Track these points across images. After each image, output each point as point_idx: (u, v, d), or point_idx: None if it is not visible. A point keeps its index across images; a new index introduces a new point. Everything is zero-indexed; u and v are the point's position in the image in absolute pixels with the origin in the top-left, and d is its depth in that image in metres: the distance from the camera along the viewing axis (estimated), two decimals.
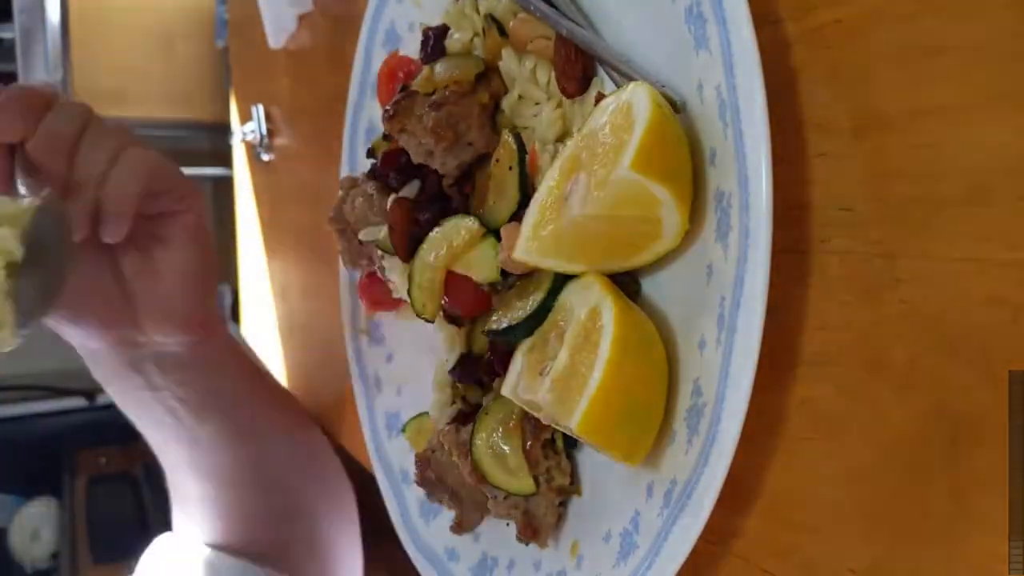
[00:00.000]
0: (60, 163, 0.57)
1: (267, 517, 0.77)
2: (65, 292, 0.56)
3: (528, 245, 0.41)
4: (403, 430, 0.60)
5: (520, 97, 0.49)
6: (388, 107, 0.50)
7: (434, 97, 0.49)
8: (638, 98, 0.36)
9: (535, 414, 0.42)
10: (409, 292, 0.49)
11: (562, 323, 0.41)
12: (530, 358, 0.43)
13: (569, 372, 0.38)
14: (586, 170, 0.38)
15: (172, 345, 0.68)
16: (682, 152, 0.36)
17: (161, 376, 0.69)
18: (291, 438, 0.82)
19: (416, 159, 0.50)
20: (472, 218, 0.48)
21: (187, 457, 0.74)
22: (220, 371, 0.73)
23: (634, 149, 0.35)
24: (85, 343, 0.68)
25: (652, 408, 0.38)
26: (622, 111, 0.37)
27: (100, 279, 0.64)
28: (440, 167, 0.50)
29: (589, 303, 0.39)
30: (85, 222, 0.58)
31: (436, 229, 0.49)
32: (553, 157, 0.44)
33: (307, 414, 0.86)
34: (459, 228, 0.48)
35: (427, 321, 0.50)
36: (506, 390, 0.44)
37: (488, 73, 0.50)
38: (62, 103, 0.59)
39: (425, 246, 0.49)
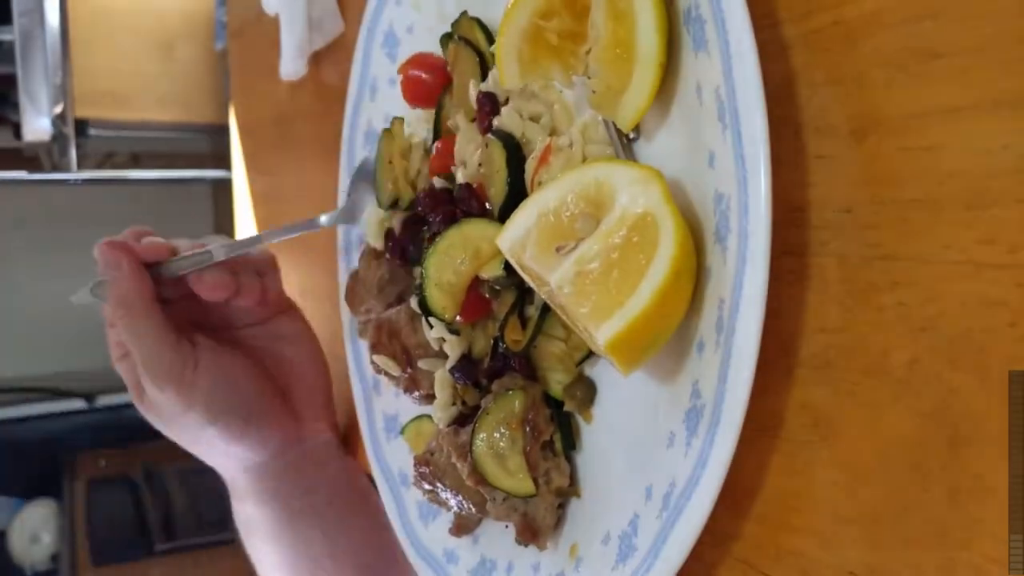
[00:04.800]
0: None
1: None
2: (249, 396, 0.65)
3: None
4: (402, 432, 0.60)
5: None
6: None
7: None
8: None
9: (531, 283, 0.40)
10: (423, 291, 0.47)
11: (594, 197, 0.38)
12: (545, 222, 0.39)
13: (603, 272, 0.36)
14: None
15: (323, 436, 0.72)
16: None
17: (318, 472, 0.71)
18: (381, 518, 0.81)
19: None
20: (497, 225, 0.46)
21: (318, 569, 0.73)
22: (345, 467, 0.74)
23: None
24: (262, 451, 0.69)
25: (670, 332, 0.37)
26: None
27: (265, 381, 0.68)
28: None
29: (642, 203, 0.36)
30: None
31: (455, 228, 0.47)
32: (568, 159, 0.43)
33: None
34: (486, 236, 0.46)
35: (446, 323, 0.49)
36: (504, 242, 0.41)
37: None
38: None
39: (443, 244, 0.47)
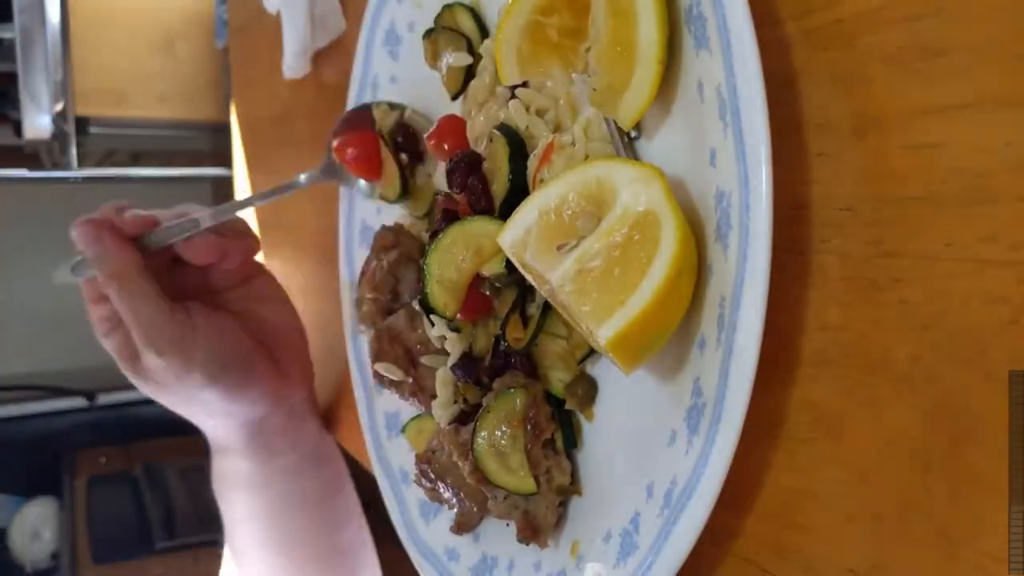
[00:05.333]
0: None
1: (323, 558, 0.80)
2: (230, 359, 0.66)
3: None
4: (403, 431, 0.60)
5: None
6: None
7: None
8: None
9: (532, 281, 0.40)
10: (425, 287, 0.47)
11: (595, 195, 0.38)
12: (547, 220, 0.39)
13: (604, 270, 0.36)
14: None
15: (301, 399, 0.74)
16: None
17: (299, 429, 0.74)
18: (347, 483, 0.84)
19: None
20: (498, 222, 0.45)
21: (282, 527, 0.77)
22: (318, 428, 0.78)
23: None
24: (259, 406, 0.71)
25: (672, 330, 0.37)
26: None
27: (249, 343, 0.70)
28: None
29: (643, 201, 0.36)
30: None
31: (456, 225, 0.47)
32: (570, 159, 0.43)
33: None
34: (487, 233, 0.46)
35: (447, 320, 0.49)
36: (505, 241, 0.41)
37: None
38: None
39: (445, 242, 0.47)
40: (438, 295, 0.47)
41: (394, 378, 0.56)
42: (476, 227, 0.47)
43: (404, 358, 0.55)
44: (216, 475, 0.77)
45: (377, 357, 0.56)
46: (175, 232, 0.65)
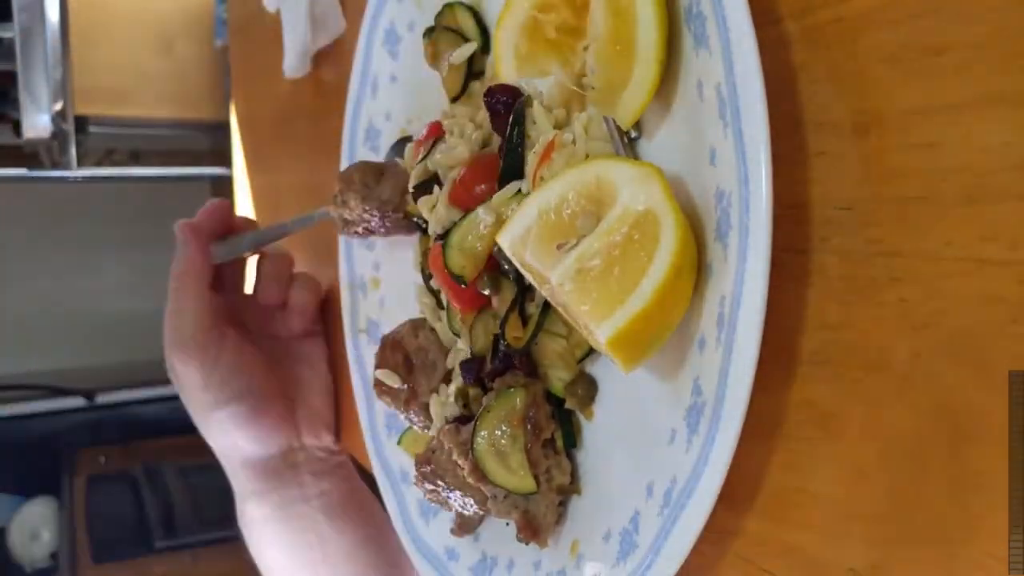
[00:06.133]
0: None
1: None
2: (260, 389, 0.70)
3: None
4: (399, 443, 0.61)
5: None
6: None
7: None
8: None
9: (532, 281, 0.40)
10: (446, 253, 0.47)
11: (595, 194, 0.38)
12: (546, 220, 0.39)
13: (604, 269, 0.36)
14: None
15: (320, 451, 0.76)
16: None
17: (314, 483, 0.75)
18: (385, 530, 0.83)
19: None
20: (520, 196, 0.45)
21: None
22: (347, 480, 0.79)
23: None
24: (262, 446, 0.73)
25: (671, 329, 0.37)
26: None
27: (270, 384, 0.73)
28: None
29: (643, 200, 0.36)
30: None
31: (496, 195, 0.47)
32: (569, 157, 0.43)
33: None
34: (510, 199, 0.46)
35: (460, 282, 0.48)
36: (505, 240, 0.41)
37: None
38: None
39: (481, 210, 0.47)
40: (456, 259, 0.47)
41: (392, 384, 0.56)
42: (505, 195, 0.47)
43: (403, 365, 0.56)
44: (241, 525, 0.78)
45: (379, 365, 0.57)
46: (240, 247, 0.71)
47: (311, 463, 0.76)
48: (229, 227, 0.72)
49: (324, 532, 0.75)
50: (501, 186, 0.46)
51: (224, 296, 0.72)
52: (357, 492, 0.79)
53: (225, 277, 0.73)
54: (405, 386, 0.56)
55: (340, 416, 0.81)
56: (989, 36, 0.28)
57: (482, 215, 0.46)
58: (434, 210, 0.51)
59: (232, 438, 0.72)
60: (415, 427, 0.58)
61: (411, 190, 0.55)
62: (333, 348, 0.79)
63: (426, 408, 0.55)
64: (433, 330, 0.56)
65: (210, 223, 0.71)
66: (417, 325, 0.57)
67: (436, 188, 0.52)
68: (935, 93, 0.30)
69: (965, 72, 0.29)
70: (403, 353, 0.56)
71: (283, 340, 0.77)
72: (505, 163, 0.46)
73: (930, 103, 0.30)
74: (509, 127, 0.46)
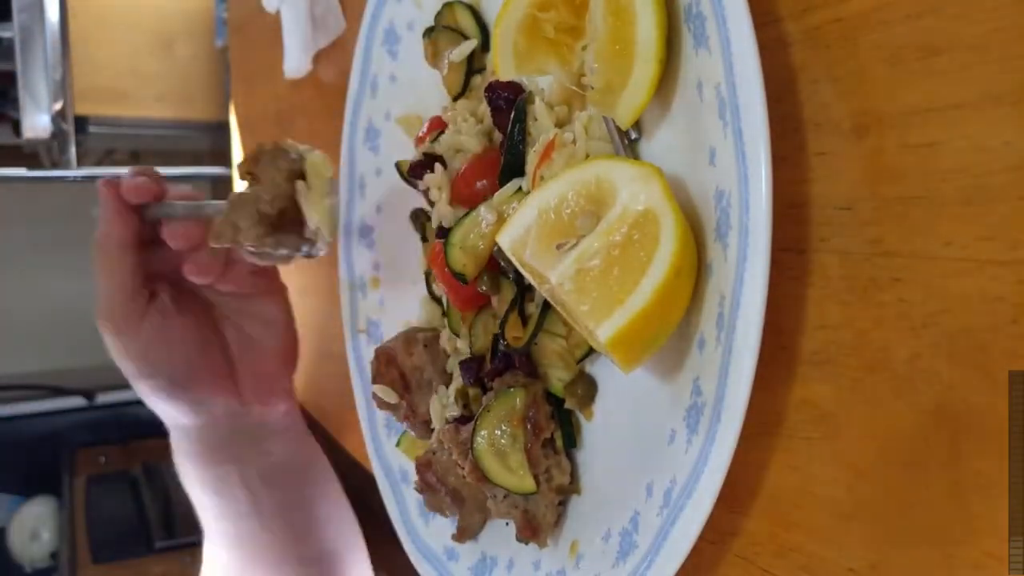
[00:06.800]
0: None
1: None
2: (184, 362, 0.67)
3: (514, 245, 0.40)
4: (398, 444, 0.61)
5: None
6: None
7: None
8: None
9: (532, 281, 0.40)
10: (447, 252, 0.48)
11: (594, 194, 0.38)
12: (546, 219, 0.39)
13: (604, 269, 0.36)
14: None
15: (263, 415, 0.73)
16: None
17: (251, 446, 0.73)
18: (327, 491, 0.83)
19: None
20: (521, 194, 0.46)
21: (240, 531, 0.76)
22: (294, 440, 0.77)
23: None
24: (191, 416, 0.71)
25: (671, 329, 0.37)
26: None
27: (210, 351, 0.70)
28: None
29: (643, 200, 0.36)
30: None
31: (497, 194, 0.47)
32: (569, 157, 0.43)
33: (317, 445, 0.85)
34: (511, 197, 0.46)
35: (462, 280, 0.48)
36: (505, 241, 0.41)
37: None
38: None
39: (483, 208, 0.47)
40: (457, 257, 0.47)
41: (389, 401, 0.56)
42: (505, 193, 0.47)
43: (399, 382, 0.56)
44: (175, 458, 0.76)
45: (375, 379, 0.58)
46: (174, 211, 0.65)
47: (254, 429, 0.74)
48: (160, 192, 0.67)
49: (257, 491, 0.74)
50: (502, 182, 0.47)
51: (163, 250, 0.67)
52: (302, 454, 0.77)
53: (158, 226, 0.67)
54: (403, 402, 0.56)
55: (340, 416, 0.81)
56: (988, 36, 0.28)
57: (484, 213, 0.46)
58: (436, 205, 0.51)
59: (157, 407, 0.71)
60: (413, 435, 0.58)
61: (407, 172, 0.54)
62: (332, 343, 0.79)
63: (425, 424, 0.56)
64: (427, 346, 0.56)
65: (134, 184, 0.66)
66: (410, 340, 0.57)
67: (439, 166, 0.52)
68: (935, 93, 0.30)
69: (965, 72, 0.29)
70: (398, 371, 0.56)
71: (232, 296, 0.72)
72: (506, 159, 0.46)
73: (930, 103, 0.30)
74: (510, 123, 0.46)
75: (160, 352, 0.67)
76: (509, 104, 0.47)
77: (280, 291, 0.75)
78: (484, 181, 0.49)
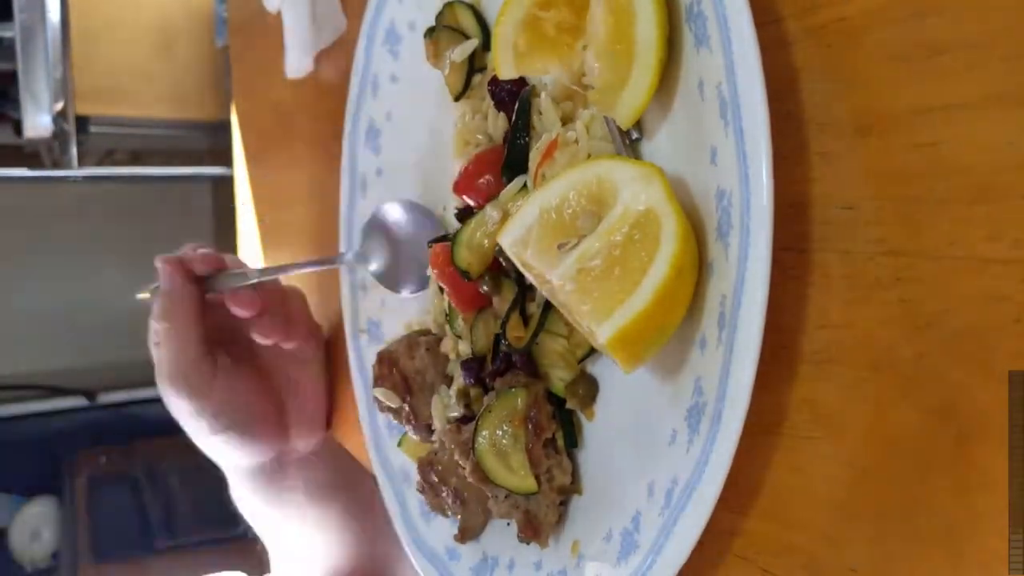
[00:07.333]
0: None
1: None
2: (248, 413, 0.73)
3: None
4: (399, 444, 0.61)
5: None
6: None
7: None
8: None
9: (533, 280, 0.40)
10: (454, 250, 0.48)
11: (596, 194, 0.38)
12: (547, 219, 0.39)
13: (605, 269, 0.36)
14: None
15: (307, 446, 0.79)
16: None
17: (298, 473, 0.79)
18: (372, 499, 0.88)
19: None
20: (525, 192, 0.46)
21: (315, 545, 0.84)
22: (333, 459, 0.82)
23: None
24: (250, 458, 0.77)
25: (672, 329, 0.37)
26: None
27: (267, 400, 0.76)
28: None
29: (644, 200, 0.36)
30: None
31: (503, 192, 0.47)
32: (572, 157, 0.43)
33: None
34: (516, 194, 0.47)
35: (467, 277, 0.48)
36: (505, 240, 0.41)
37: None
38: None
39: (489, 208, 0.47)
40: (463, 256, 0.48)
41: (391, 404, 0.56)
42: (511, 191, 0.47)
43: (401, 385, 0.56)
44: (234, 497, 0.82)
45: (377, 382, 0.58)
46: (229, 282, 0.70)
47: (298, 459, 0.80)
48: (223, 262, 0.72)
49: (307, 511, 0.81)
50: (504, 176, 0.47)
51: (213, 314, 0.72)
52: (340, 469, 0.82)
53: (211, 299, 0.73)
54: (405, 406, 0.56)
55: (341, 415, 0.81)
56: (992, 35, 0.28)
57: (490, 213, 0.47)
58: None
59: (225, 457, 0.76)
60: (415, 438, 0.58)
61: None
62: (332, 347, 0.79)
63: (427, 428, 0.56)
64: (429, 350, 0.56)
65: (203, 257, 0.71)
66: (413, 343, 0.57)
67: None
68: (938, 92, 0.30)
69: (968, 71, 0.29)
70: (401, 375, 0.56)
71: (278, 349, 0.78)
72: (509, 154, 0.46)
73: (933, 102, 0.30)
74: (514, 116, 0.46)
75: (233, 410, 0.72)
76: (512, 97, 0.47)
77: (318, 335, 0.80)
78: (488, 177, 0.49)
